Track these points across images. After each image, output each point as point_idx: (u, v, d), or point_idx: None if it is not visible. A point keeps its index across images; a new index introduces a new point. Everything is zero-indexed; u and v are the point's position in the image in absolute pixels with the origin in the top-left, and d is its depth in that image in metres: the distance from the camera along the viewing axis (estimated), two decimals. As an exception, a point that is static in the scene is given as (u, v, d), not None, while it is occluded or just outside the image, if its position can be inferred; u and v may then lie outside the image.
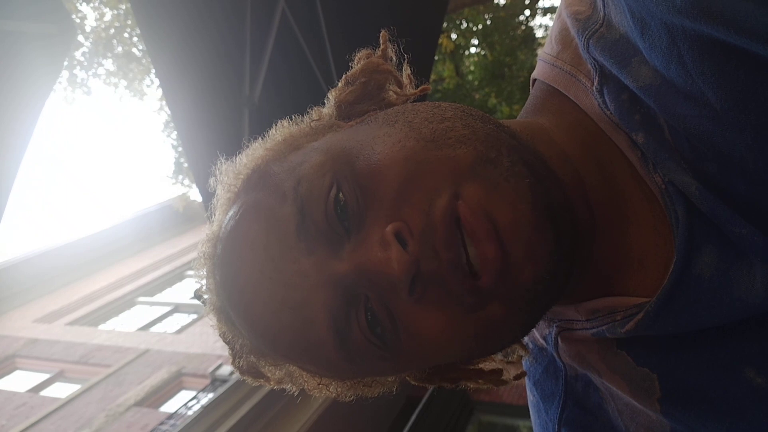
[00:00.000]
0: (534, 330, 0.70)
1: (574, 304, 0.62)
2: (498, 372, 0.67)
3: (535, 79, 0.68)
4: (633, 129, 0.52)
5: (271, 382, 0.68)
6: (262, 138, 0.67)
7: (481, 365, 0.67)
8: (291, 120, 0.67)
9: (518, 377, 0.68)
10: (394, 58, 0.68)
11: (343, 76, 0.67)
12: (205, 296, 0.65)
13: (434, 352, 0.55)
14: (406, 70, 0.69)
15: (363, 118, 0.64)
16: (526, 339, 0.72)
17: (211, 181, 0.67)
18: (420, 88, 0.70)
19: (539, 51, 0.68)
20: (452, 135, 0.52)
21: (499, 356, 0.67)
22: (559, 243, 0.49)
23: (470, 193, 0.48)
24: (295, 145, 0.62)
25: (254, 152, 0.65)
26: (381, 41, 0.68)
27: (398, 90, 0.68)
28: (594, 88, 0.56)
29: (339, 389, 0.67)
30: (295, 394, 0.70)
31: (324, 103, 0.69)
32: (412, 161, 0.51)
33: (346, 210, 0.52)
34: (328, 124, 0.65)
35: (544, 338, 0.69)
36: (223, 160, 0.67)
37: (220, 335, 0.66)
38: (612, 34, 0.54)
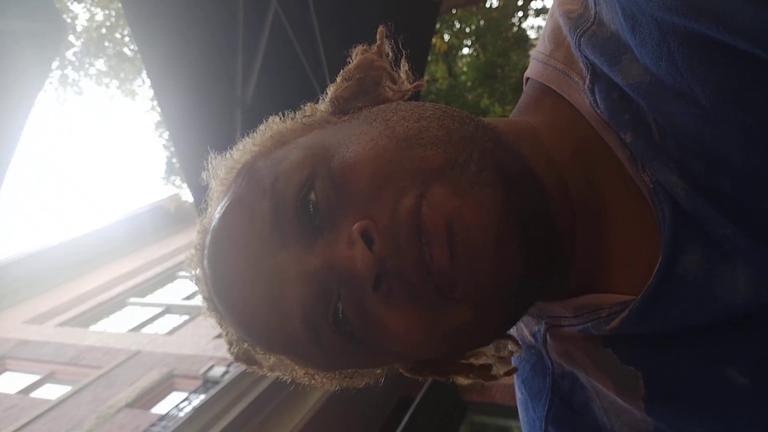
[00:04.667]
0: (523, 327, 0.71)
1: (561, 301, 0.62)
2: (488, 367, 0.67)
3: (528, 78, 0.68)
4: (622, 128, 0.53)
5: (264, 369, 0.70)
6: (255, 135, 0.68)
7: (471, 360, 0.68)
8: (283, 116, 0.68)
9: (508, 373, 0.69)
10: (390, 55, 0.68)
11: (341, 71, 0.68)
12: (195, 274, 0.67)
13: (404, 349, 0.56)
14: (404, 66, 0.69)
15: (352, 115, 0.65)
16: (514, 336, 0.72)
17: (204, 174, 0.68)
18: (414, 84, 0.70)
19: (532, 51, 0.68)
20: (425, 135, 0.53)
21: (491, 350, 0.68)
22: (526, 249, 0.50)
23: (434, 195, 0.49)
24: (282, 141, 0.63)
25: (246, 147, 0.66)
26: (378, 37, 0.68)
27: (394, 86, 0.68)
28: (585, 87, 0.56)
29: (323, 379, 0.69)
30: (288, 382, 0.71)
31: (317, 102, 0.69)
32: (383, 160, 0.51)
33: (318, 207, 0.53)
34: (320, 120, 0.66)
35: (533, 335, 0.69)
36: (214, 155, 0.68)
37: (216, 322, 0.67)
38: (603, 32, 0.54)
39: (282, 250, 0.54)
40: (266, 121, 0.68)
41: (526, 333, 0.70)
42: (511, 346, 0.68)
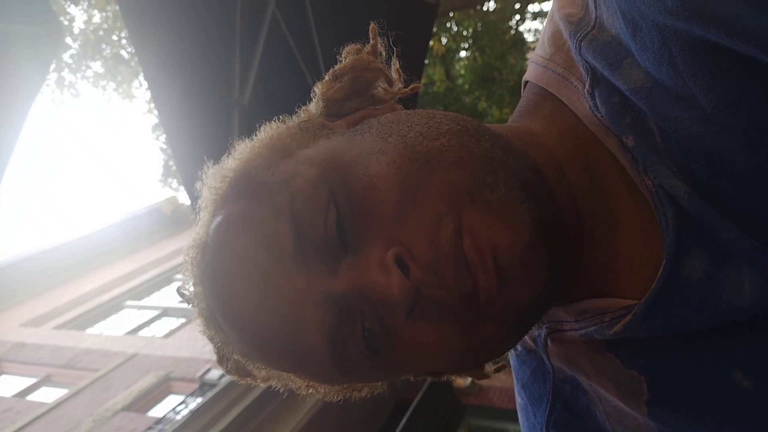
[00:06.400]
0: None
1: (564, 305, 0.62)
2: (480, 366, 0.68)
3: (527, 82, 0.67)
4: (623, 132, 0.52)
5: (258, 380, 0.69)
6: (250, 139, 0.66)
7: None
8: (278, 120, 0.66)
9: (498, 369, 0.69)
10: (384, 53, 0.67)
11: (330, 69, 0.66)
12: (189, 292, 0.65)
13: (425, 363, 0.56)
14: (395, 65, 0.68)
15: (351, 118, 0.64)
16: None
17: (198, 184, 0.66)
18: (411, 87, 0.69)
19: (529, 55, 0.67)
20: (447, 157, 0.52)
21: None
22: (552, 262, 0.50)
23: (471, 221, 0.49)
24: (284, 151, 0.61)
25: (241, 155, 0.64)
26: (371, 35, 0.67)
27: (388, 87, 0.67)
28: (585, 91, 0.56)
29: (327, 390, 0.69)
30: (284, 394, 0.71)
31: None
32: (407, 183, 0.51)
33: (341, 230, 0.52)
34: (317, 124, 0.64)
35: (534, 339, 0.69)
36: (210, 165, 0.66)
37: (207, 338, 0.66)
38: (604, 36, 0.54)
39: (301, 274, 0.53)
40: (264, 123, 0.66)
41: (526, 338, 0.70)
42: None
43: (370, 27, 0.67)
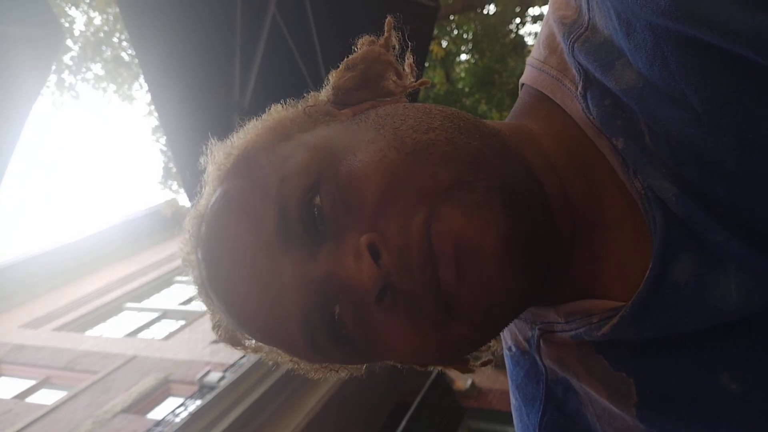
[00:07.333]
0: (517, 332, 0.71)
1: (555, 306, 0.62)
2: (465, 359, 0.69)
3: (523, 84, 0.67)
4: (614, 134, 0.52)
5: (248, 350, 0.71)
6: (257, 120, 0.67)
7: None
8: (285, 104, 0.67)
9: (484, 364, 0.70)
10: (396, 47, 0.68)
11: (344, 60, 0.67)
12: (188, 259, 0.68)
13: (398, 356, 0.58)
14: (408, 59, 0.69)
15: (358, 108, 0.65)
16: (509, 341, 0.73)
17: (203, 159, 0.68)
18: (420, 81, 0.70)
19: (528, 57, 0.68)
20: (435, 151, 0.53)
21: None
22: (529, 269, 0.51)
23: (443, 215, 0.50)
24: (285, 134, 0.63)
25: (247, 133, 0.66)
26: (386, 28, 0.68)
27: (398, 81, 0.68)
28: (578, 93, 0.56)
29: (308, 368, 0.71)
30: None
31: (319, 90, 0.69)
32: (392, 174, 0.52)
33: (322, 214, 0.54)
34: (322, 110, 0.65)
35: (527, 341, 0.69)
36: (214, 141, 0.68)
37: (203, 302, 0.68)
38: (596, 37, 0.54)
39: (284, 255, 0.54)
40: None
41: (520, 338, 0.70)
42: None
43: (387, 20, 0.68)
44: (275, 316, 0.56)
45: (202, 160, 0.68)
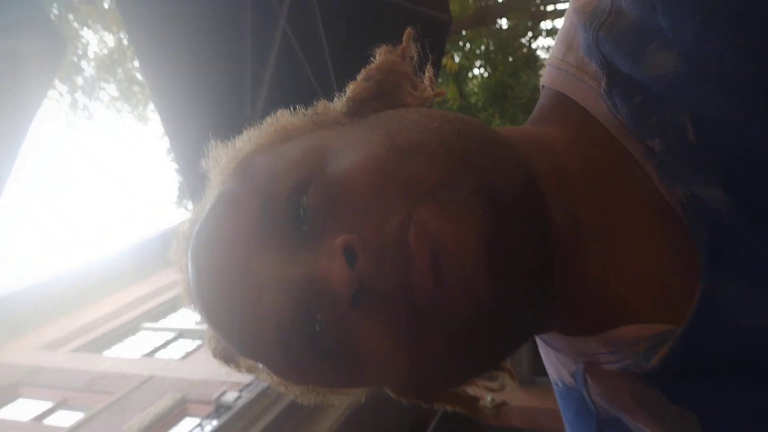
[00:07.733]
0: (560, 366, 0.64)
1: (595, 335, 0.54)
2: (474, 399, 0.64)
3: (543, 86, 0.62)
4: (648, 135, 0.46)
5: (242, 369, 0.68)
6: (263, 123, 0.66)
7: (459, 389, 0.65)
8: (293, 111, 0.65)
9: (496, 407, 0.65)
10: (415, 58, 0.65)
11: (362, 70, 0.65)
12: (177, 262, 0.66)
13: (373, 370, 0.53)
14: (429, 72, 0.66)
15: (362, 118, 0.61)
16: (553, 376, 0.66)
17: (204, 162, 0.66)
18: (437, 92, 0.66)
19: (542, 72, 0.64)
20: (424, 150, 0.50)
21: (485, 381, 0.64)
22: (516, 280, 0.47)
23: (421, 216, 0.46)
24: (286, 137, 0.61)
25: (250, 137, 0.64)
26: (404, 39, 0.65)
27: (414, 92, 0.65)
28: (602, 90, 0.50)
29: (296, 391, 0.67)
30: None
31: (332, 100, 0.67)
32: (376, 172, 0.49)
33: (307, 214, 0.51)
34: (332, 119, 0.63)
35: (573, 375, 0.61)
36: (216, 144, 0.66)
37: (191, 310, 0.65)
38: (623, 21, 0.48)
39: (264, 254, 0.51)
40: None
41: (565, 372, 0.63)
42: (504, 379, 0.65)
43: (406, 31, 0.65)
44: (251, 317, 0.52)
45: (209, 173, 0.67)
